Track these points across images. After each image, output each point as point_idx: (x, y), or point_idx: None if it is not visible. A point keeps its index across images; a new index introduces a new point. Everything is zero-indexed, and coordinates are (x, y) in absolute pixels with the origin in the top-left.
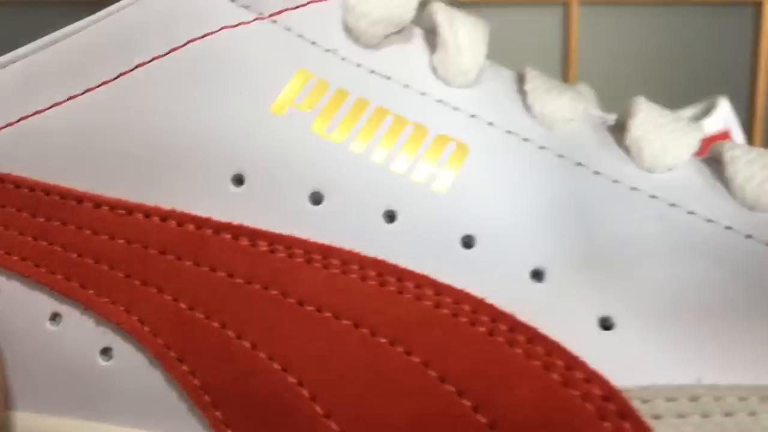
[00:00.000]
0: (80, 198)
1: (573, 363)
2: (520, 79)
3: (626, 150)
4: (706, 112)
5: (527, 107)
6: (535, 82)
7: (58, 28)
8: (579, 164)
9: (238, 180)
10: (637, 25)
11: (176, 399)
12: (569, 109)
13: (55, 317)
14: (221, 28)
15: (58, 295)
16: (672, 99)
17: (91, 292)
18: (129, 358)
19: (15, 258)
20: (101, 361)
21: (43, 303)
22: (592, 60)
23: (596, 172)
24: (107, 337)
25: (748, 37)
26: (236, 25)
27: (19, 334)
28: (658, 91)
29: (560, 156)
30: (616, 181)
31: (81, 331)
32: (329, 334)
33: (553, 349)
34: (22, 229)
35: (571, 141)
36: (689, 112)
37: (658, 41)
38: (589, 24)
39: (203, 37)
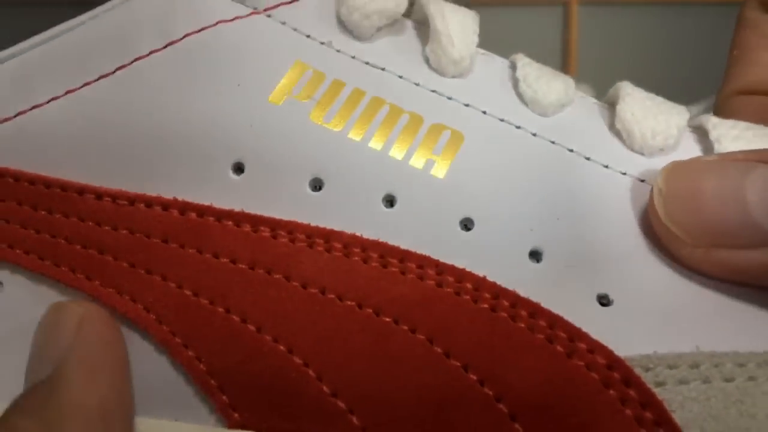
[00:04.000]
0: (81, 190)
1: (576, 334)
2: (513, 67)
3: (617, 134)
4: (706, 112)
5: (519, 94)
6: (526, 69)
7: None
8: (570, 150)
9: (239, 168)
10: (637, 25)
11: (183, 384)
12: (560, 95)
13: None
14: (217, 23)
15: (63, 287)
16: (672, 98)
17: (97, 282)
18: (135, 346)
19: (18, 251)
20: None
21: (49, 296)
22: (592, 60)
23: (587, 158)
24: None
25: None
26: (232, 20)
27: (26, 328)
28: (658, 91)
29: (552, 142)
30: (606, 167)
31: None
32: (333, 315)
33: (555, 322)
34: (24, 223)
35: (563, 127)
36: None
37: (658, 41)
38: (589, 24)
39: (200, 31)
